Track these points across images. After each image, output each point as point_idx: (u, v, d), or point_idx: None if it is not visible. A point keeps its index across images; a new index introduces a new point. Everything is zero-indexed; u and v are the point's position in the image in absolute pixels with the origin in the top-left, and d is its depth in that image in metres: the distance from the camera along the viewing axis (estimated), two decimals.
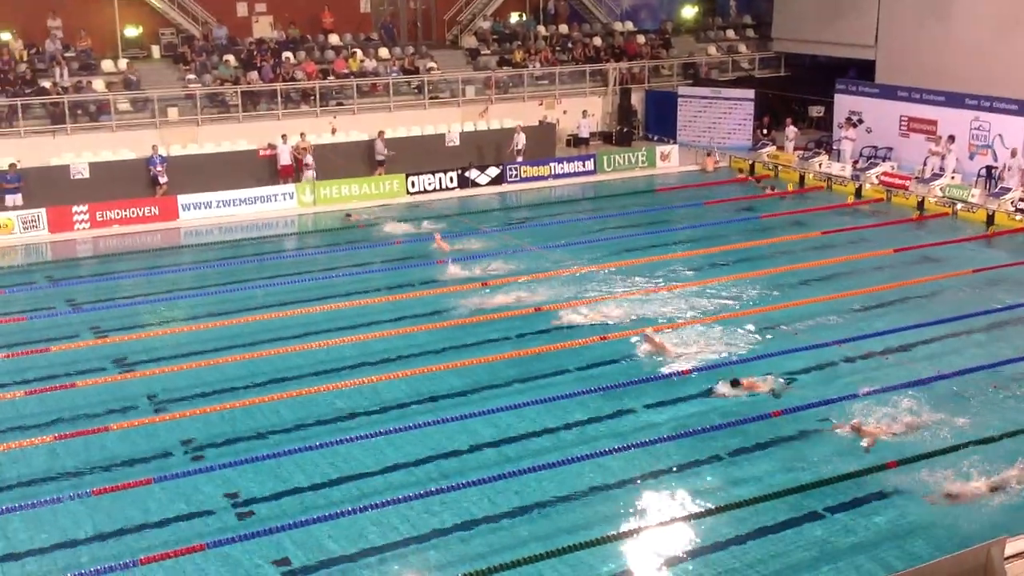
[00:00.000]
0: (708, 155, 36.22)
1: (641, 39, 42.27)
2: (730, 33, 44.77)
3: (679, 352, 18.96)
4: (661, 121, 39.62)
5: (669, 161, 36.23)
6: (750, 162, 35.22)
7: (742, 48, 43.89)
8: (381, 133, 33.22)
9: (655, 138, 39.28)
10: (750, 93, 38.48)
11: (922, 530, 13.32)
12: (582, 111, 37.16)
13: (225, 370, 18.53)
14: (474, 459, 15.33)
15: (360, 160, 32.92)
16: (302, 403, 17.10)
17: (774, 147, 36.19)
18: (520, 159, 34.01)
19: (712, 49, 43.42)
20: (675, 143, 37.51)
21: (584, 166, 35.08)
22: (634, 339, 19.44)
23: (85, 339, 20.40)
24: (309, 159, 31.36)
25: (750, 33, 44.83)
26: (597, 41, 41.51)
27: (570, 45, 40.88)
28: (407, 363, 18.77)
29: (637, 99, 40.07)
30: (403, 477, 14.82)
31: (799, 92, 40.40)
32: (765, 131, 37.39)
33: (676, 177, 35.19)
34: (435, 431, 16.04)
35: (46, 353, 19.41)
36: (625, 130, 38.94)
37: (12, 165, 28.74)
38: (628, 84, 39.89)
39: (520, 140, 34.20)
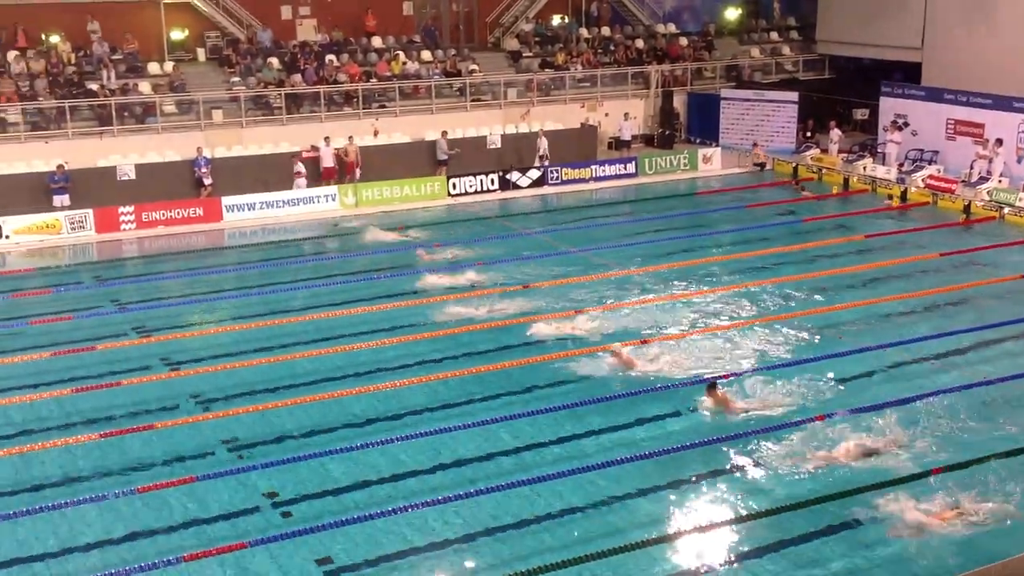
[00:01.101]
0: (755, 145, 36.06)
1: (683, 41, 42.09)
2: (774, 35, 44.43)
3: (720, 357, 18.89)
4: (703, 124, 39.43)
5: (711, 164, 36.03)
6: (793, 165, 34.94)
7: (786, 50, 43.56)
8: (444, 133, 33.47)
9: (697, 141, 39.10)
10: (794, 95, 38.20)
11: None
12: (624, 113, 37.08)
13: (268, 370, 18.65)
14: (509, 462, 15.37)
15: (402, 162, 32.97)
16: (345, 403, 17.18)
17: (818, 150, 35.89)
18: (546, 163, 33.89)
19: (755, 51, 43.14)
20: (717, 146, 37.31)
21: (625, 169, 34.98)
22: (601, 354, 18.90)
23: (130, 338, 20.64)
24: (300, 167, 31.15)
25: (794, 35, 44.47)
26: (639, 43, 41.39)
27: (612, 47, 40.79)
28: (452, 364, 18.79)
29: (679, 101, 39.91)
30: (443, 477, 14.86)
31: (844, 94, 40.06)
32: (809, 134, 37.09)
33: (718, 180, 35.00)
34: (478, 432, 16.08)
35: (92, 352, 19.67)
36: (667, 133, 38.77)
37: (60, 166, 29.13)
38: (670, 86, 39.73)
39: (543, 145, 34.09)
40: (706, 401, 16.74)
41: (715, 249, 26.36)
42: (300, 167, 30.97)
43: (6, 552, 13.08)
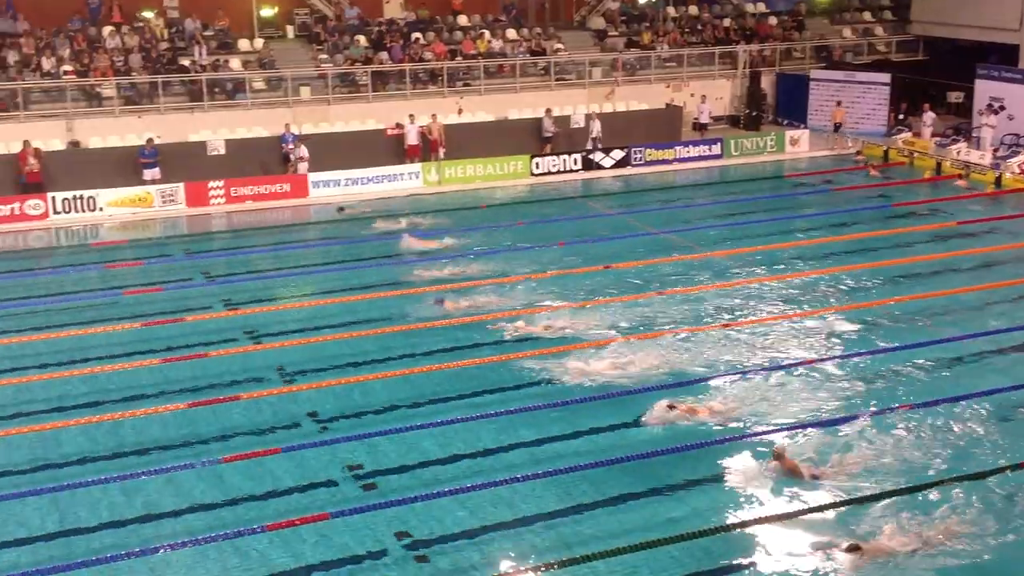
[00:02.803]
0: (838, 104, 35.59)
1: (773, 21, 41.44)
2: (866, 15, 43.49)
3: (802, 343, 18.66)
4: (792, 105, 38.75)
5: (799, 146, 35.49)
6: (884, 148, 34.25)
7: (878, 31, 42.62)
8: (548, 111, 33.61)
9: (785, 123, 38.48)
10: (885, 77, 37.38)
11: None
12: (701, 96, 36.61)
13: (353, 344, 18.91)
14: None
15: (486, 140, 33.01)
16: (427, 379, 17.33)
17: (910, 133, 35.13)
18: (599, 145, 33.57)
19: (847, 31, 42.30)
20: (806, 128, 36.69)
21: (710, 150, 34.60)
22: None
23: (218, 310, 21.06)
24: (303, 152, 30.68)
25: (887, 15, 43.47)
26: (727, 22, 40.85)
27: (700, 27, 40.32)
28: (532, 345, 18.78)
29: (767, 82, 39.31)
30: (522, 455, 14.90)
31: (938, 77, 39.05)
32: (901, 116, 36.30)
33: (806, 163, 34.48)
34: (559, 413, 16.10)
35: (181, 323, 20.15)
36: (754, 114, 38.24)
37: (149, 140, 29.77)
38: (758, 67, 39.15)
39: (596, 128, 33.80)
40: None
41: (799, 233, 25.96)
42: (303, 151, 30.78)
43: (95, 517, 13.46)
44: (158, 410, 16.26)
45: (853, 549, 12.29)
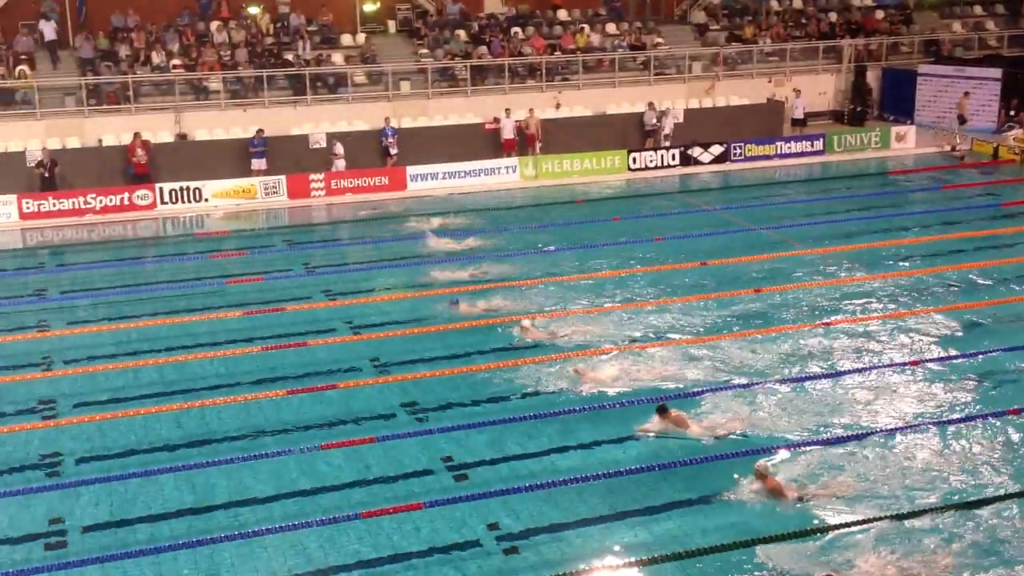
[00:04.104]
0: (965, 94, 35.03)
1: (880, 14, 40.52)
2: (977, 9, 42.26)
3: (896, 345, 18.25)
4: (898, 101, 37.85)
5: (905, 142, 34.67)
6: (994, 145, 33.27)
7: (990, 25, 41.38)
8: (651, 104, 33.61)
9: (891, 118, 37.60)
10: (997, 72, 36.26)
11: None
12: (796, 90, 35.91)
13: (446, 337, 19.06)
14: None
15: (583, 135, 32.93)
16: (527, 371, 17.33)
17: (1021, 130, 34.03)
18: (668, 144, 33.22)
19: (957, 25, 41.15)
20: (912, 124, 35.81)
21: (812, 146, 34.01)
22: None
23: (317, 301, 21.45)
24: (339, 149, 30.78)
25: (999, 8, 42.19)
26: (833, 16, 40.08)
27: (803, 20, 39.63)
28: (633, 340, 18.74)
29: (872, 77, 38.44)
30: (632, 450, 14.86)
31: None
32: (1012, 112, 35.21)
33: (912, 159, 33.67)
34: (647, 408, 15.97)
35: (281, 312, 20.57)
36: (858, 109, 37.45)
37: (259, 131, 30.46)
38: (864, 61, 38.31)
39: (668, 124, 33.37)
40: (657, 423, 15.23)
41: (902, 231, 25.39)
42: (339, 149, 30.83)
43: (191, 500, 13.80)
44: (257, 396, 16.63)
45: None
